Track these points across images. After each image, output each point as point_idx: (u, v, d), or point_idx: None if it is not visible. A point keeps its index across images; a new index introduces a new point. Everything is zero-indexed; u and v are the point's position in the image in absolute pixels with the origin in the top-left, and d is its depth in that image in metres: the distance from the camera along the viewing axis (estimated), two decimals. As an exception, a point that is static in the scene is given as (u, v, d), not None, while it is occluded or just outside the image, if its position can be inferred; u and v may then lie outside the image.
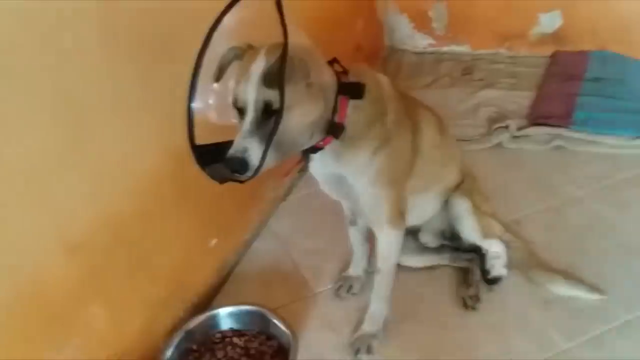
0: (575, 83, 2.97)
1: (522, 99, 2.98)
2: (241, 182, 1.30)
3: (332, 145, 1.47)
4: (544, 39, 3.36)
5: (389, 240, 1.70)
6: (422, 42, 3.63)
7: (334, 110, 1.42)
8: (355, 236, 1.98)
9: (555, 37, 3.34)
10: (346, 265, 2.11)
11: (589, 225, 2.20)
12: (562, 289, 1.92)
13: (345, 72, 1.47)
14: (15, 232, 1.29)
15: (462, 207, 1.87)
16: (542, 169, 2.53)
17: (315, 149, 1.48)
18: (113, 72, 1.51)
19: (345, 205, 1.89)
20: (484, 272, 1.95)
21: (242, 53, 1.37)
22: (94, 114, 1.47)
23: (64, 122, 1.39)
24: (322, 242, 2.28)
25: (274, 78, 1.24)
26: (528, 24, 3.36)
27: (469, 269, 2.01)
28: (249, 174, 1.26)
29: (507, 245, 2.00)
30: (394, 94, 1.58)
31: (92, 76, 1.45)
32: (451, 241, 2.04)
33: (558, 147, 2.62)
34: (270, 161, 1.26)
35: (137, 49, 1.57)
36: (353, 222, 1.94)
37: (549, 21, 3.29)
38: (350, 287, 2.03)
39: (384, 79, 1.57)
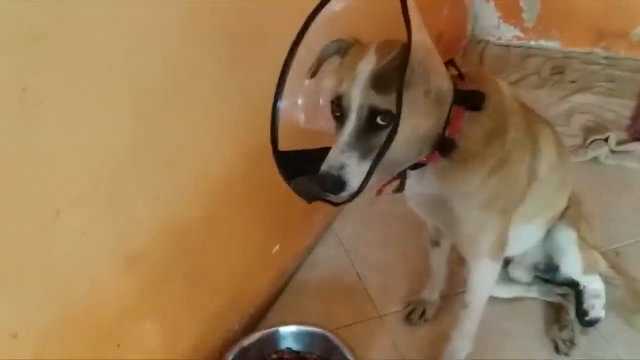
0: (683, 94, 2.65)
1: (622, 108, 2.66)
2: (335, 204, 1.09)
3: (438, 162, 1.24)
4: (647, 41, 3.02)
5: (485, 274, 1.47)
6: (508, 33, 3.32)
7: (447, 122, 1.19)
8: (436, 258, 1.74)
9: (660, 40, 2.99)
10: (417, 285, 1.90)
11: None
12: (671, 341, 1.66)
13: (461, 76, 1.23)
14: (71, 242, 1.12)
15: (568, 239, 1.60)
16: (648, 193, 2.24)
17: (416, 165, 1.25)
18: (194, 62, 1.31)
19: (432, 224, 1.66)
20: (581, 312, 1.70)
21: (347, 48, 1.15)
22: (169, 108, 1.28)
23: (139, 116, 1.20)
24: (390, 255, 2.06)
25: (386, 82, 1.02)
26: (631, 22, 3.03)
27: (562, 307, 1.77)
28: (345, 195, 1.05)
29: (607, 282, 1.75)
30: (517, 107, 1.32)
31: (171, 66, 1.25)
32: (544, 273, 1.78)
33: (664, 170, 2.32)
34: (371, 182, 1.05)
35: (221, 40, 1.36)
36: (436, 243, 1.71)
37: (656, 22, 2.95)
38: (424, 312, 1.81)
39: (506, 89, 1.31)
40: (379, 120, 1.05)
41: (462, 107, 1.19)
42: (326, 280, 1.99)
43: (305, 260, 2.04)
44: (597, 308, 1.69)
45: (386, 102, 1.03)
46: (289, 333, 1.66)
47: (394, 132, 0.97)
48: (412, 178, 1.31)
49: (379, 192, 1.32)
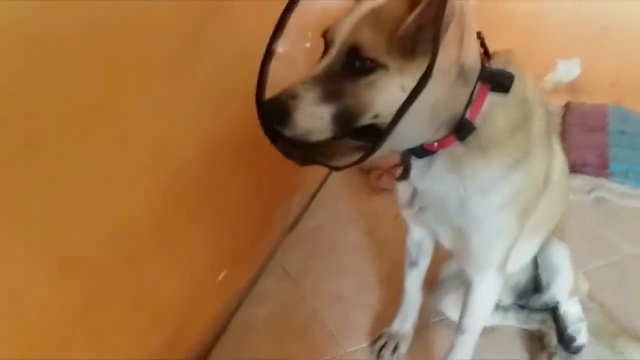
0: (601, 134, 2.73)
1: (548, 146, 2.70)
2: (336, 168, 0.91)
3: (451, 149, 1.05)
4: (558, 87, 3.14)
5: (489, 291, 1.27)
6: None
7: (469, 101, 1.00)
8: (413, 281, 1.52)
9: (570, 86, 3.13)
10: (381, 316, 1.67)
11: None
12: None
13: (487, 54, 1.06)
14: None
15: (563, 254, 1.46)
16: (589, 221, 2.20)
17: (424, 152, 1.05)
18: (150, 40, 1.06)
19: (417, 235, 1.44)
20: (566, 338, 1.55)
21: None
22: (119, 84, 1.00)
23: (81, 89, 0.91)
24: (345, 285, 1.82)
25: (391, 24, 0.87)
26: (543, 69, 3.13)
27: (542, 334, 1.61)
28: (293, 132, 0.88)
29: (583, 306, 1.63)
30: (540, 97, 1.17)
31: (126, 44, 0.99)
32: (518, 299, 1.63)
33: (600, 199, 2.33)
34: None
35: (180, 18, 1.14)
36: (414, 264, 1.49)
37: (567, 69, 3.08)
38: (397, 346, 1.56)
39: (530, 77, 1.16)
40: (360, 63, 0.88)
41: (487, 86, 1.03)
42: (276, 316, 1.69)
43: (248, 293, 1.73)
44: (582, 332, 1.55)
45: (380, 47, 0.87)
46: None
47: (427, 76, 0.80)
48: (418, 169, 1.11)
49: (379, 176, 1.11)
